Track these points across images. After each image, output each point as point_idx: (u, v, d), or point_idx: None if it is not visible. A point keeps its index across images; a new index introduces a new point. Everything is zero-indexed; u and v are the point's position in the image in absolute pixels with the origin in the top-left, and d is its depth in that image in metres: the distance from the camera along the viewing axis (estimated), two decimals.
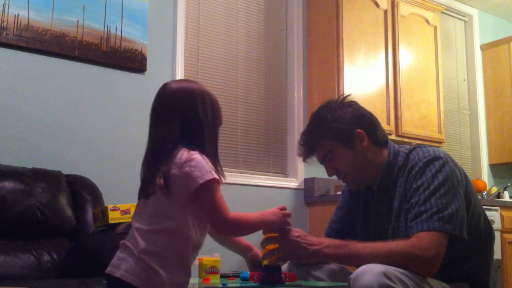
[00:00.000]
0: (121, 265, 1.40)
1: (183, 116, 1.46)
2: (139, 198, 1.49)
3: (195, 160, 1.39)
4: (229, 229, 1.46)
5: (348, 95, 1.89)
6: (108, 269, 1.42)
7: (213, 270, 1.85)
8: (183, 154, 1.41)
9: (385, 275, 1.44)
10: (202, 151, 1.43)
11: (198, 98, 1.49)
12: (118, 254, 1.45)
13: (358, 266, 1.52)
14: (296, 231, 1.67)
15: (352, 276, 1.48)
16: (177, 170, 1.39)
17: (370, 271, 1.45)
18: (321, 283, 1.81)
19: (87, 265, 2.26)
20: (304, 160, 1.88)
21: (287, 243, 1.63)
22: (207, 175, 1.38)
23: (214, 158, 1.46)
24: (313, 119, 1.86)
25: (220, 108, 1.56)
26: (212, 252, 2.64)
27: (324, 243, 1.64)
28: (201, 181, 1.38)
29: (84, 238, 2.51)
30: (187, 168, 1.38)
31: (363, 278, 1.44)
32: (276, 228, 1.61)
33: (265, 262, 1.62)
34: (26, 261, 2.37)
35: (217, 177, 1.41)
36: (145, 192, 1.45)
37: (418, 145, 1.82)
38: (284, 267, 1.89)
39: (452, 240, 1.60)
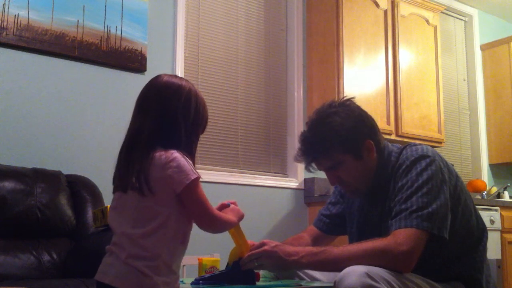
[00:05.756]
0: (109, 271, 1.39)
1: (162, 112, 1.44)
2: (114, 191, 1.46)
3: (176, 160, 1.38)
4: (214, 226, 1.47)
5: (348, 97, 1.83)
6: (97, 276, 1.41)
7: (212, 270, 1.85)
8: (161, 154, 1.39)
9: (368, 275, 1.45)
10: (178, 149, 1.41)
11: (183, 96, 1.46)
12: (105, 259, 1.43)
13: (338, 270, 1.53)
14: (273, 242, 1.68)
15: (337, 278, 1.49)
16: (158, 172, 1.38)
17: (354, 272, 1.47)
18: (318, 283, 1.81)
19: (87, 265, 2.25)
20: (306, 168, 1.82)
21: (265, 254, 1.64)
22: (191, 175, 1.38)
23: (189, 158, 1.44)
24: (319, 126, 1.77)
25: (207, 114, 1.52)
26: (212, 252, 2.64)
27: (301, 252, 1.65)
28: (186, 181, 1.37)
29: (84, 238, 2.51)
30: (170, 170, 1.37)
31: (346, 279, 1.46)
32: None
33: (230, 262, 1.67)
34: (26, 261, 2.37)
35: (198, 175, 1.41)
36: (122, 186, 1.43)
37: (409, 144, 1.82)
38: None
39: (434, 240, 1.61)
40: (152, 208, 1.39)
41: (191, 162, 1.41)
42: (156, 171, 1.38)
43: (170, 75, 1.52)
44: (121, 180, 1.44)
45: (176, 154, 1.39)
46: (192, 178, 1.38)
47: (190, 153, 1.46)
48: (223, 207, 1.57)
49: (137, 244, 1.37)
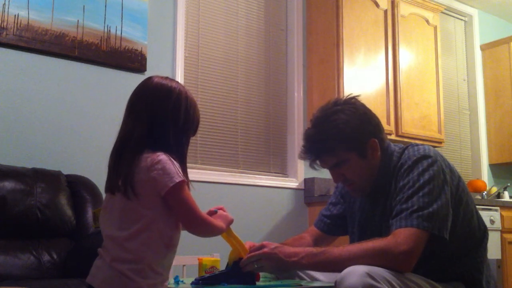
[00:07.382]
0: (97, 274, 1.40)
1: (151, 115, 1.43)
2: (106, 192, 1.46)
3: (161, 163, 1.38)
4: (201, 229, 1.47)
5: (353, 95, 1.83)
6: (88, 279, 1.42)
7: (212, 270, 1.85)
8: (148, 157, 1.39)
9: (369, 275, 1.45)
10: (166, 152, 1.41)
11: (173, 98, 1.46)
12: (96, 262, 1.43)
13: (338, 271, 1.53)
14: (273, 244, 1.68)
15: (337, 278, 1.49)
16: (144, 175, 1.38)
17: (355, 272, 1.46)
18: (318, 283, 1.81)
19: (87, 265, 2.25)
20: (310, 165, 1.82)
21: (265, 256, 1.64)
22: (176, 177, 1.37)
23: (179, 162, 1.43)
24: (324, 124, 1.76)
25: (198, 116, 1.52)
26: (212, 252, 2.64)
27: (300, 253, 1.65)
28: (170, 184, 1.36)
29: (84, 238, 2.52)
30: (154, 172, 1.37)
31: (347, 279, 1.46)
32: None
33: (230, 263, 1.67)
34: (26, 261, 2.37)
35: (184, 178, 1.39)
36: (110, 188, 1.43)
37: (411, 144, 1.81)
38: None
39: (434, 240, 1.61)
40: (137, 210, 1.38)
41: (177, 165, 1.40)
42: (142, 174, 1.38)
43: (161, 77, 1.51)
44: (109, 182, 1.44)
45: (162, 156, 1.39)
46: (176, 181, 1.37)
47: (180, 155, 1.45)
48: (210, 214, 1.56)
49: (121, 247, 1.37)
